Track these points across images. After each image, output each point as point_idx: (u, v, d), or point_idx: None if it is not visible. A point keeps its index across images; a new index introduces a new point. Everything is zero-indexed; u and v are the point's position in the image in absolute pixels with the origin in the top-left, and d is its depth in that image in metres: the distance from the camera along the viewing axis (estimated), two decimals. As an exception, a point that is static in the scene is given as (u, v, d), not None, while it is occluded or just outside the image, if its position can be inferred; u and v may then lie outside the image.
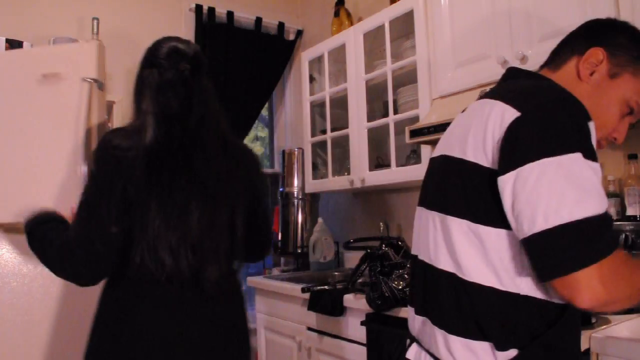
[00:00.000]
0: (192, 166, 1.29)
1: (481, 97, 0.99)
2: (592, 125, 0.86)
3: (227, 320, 1.38)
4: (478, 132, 0.90)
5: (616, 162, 1.79)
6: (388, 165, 2.39)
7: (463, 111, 1.11)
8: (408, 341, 1.07)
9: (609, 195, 1.73)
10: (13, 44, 2.21)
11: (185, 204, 1.27)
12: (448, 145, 1.00)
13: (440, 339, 0.94)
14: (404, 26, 2.35)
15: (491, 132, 0.87)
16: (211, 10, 3.00)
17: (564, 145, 0.81)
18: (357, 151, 2.47)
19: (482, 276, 0.89)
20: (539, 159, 0.80)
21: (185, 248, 1.26)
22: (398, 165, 2.31)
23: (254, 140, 3.59)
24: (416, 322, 1.03)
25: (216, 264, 1.30)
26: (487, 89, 1.79)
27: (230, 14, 3.06)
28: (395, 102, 2.34)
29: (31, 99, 1.86)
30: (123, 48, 2.77)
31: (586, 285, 0.77)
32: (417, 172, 2.13)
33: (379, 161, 2.59)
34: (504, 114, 0.86)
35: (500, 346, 0.87)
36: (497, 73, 1.77)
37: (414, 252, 1.07)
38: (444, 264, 0.94)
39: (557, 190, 0.79)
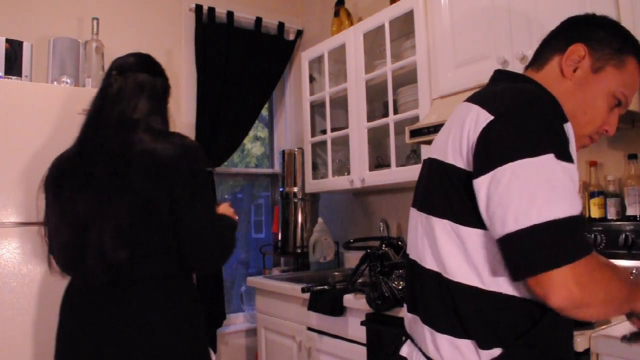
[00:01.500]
0: (85, 161, 1.36)
1: (464, 100, 1.00)
2: (568, 126, 0.88)
3: (120, 325, 1.30)
4: (455, 135, 0.93)
5: (616, 162, 1.79)
6: (388, 165, 2.39)
7: None
8: (404, 338, 1.09)
9: (609, 195, 1.74)
10: (13, 44, 2.21)
11: (72, 196, 1.33)
12: (433, 148, 1.03)
13: (428, 336, 0.96)
14: (404, 26, 2.35)
15: (467, 135, 0.89)
16: (211, 10, 3.00)
17: (536, 147, 0.82)
18: (357, 151, 2.47)
19: (464, 276, 0.90)
20: (511, 161, 0.82)
21: (76, 242, 1.31)
22: (398, 165, 2.31)
23: (254, 140, 3.59)
24: (408, 320, 1.06)
25: (99, 253, 1.27)
26: (487, 89, 1.80)
27: (230, 14, 3.05)
28: (395, 102, 2.34)
29: (74, 128, 2.14)
30: (123, 48, 2.76)
31: (560, 285, 0.78)
32: (417, 172, 2.10)
33: (379, 161, 2.59)
34: (478, 118, 0.88)
35: (484, 345, 0.88)
36: (497, 73, 1.77)
37: (407, 251, 1.09)
38: (430, 263, 0.96)
39: (527, 192, 0.80)
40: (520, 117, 0.85)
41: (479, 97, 0.95)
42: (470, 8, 1.92)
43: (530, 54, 1.70)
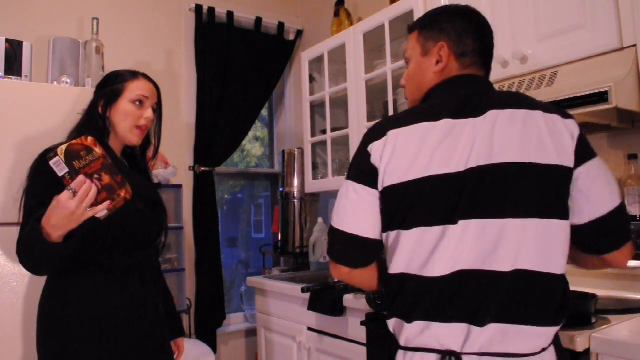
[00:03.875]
0: None
1: (510, 106, 1.07)
2: None
3: None
4: (555, 139, 1.04)
5: (616, 162, 1.79)
6: (388, 165, 2.39)
7: (462, 116, 1.07)
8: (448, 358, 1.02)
9: (609, 195, 1.74)
10: (13, 44, 2.21)
11: None
12: (512, 152, 1.02)
13: (515, 333, 0.99)
14: (404, 26, 2.34)
15: (569, 139, 1.05)
16: (211, 10, 3.00)
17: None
18: (357, 151, 2.47)
19: (559, 266, 1.02)
20: (596, 156, 1.07)
21: None
22: (398, 165, 2.30)
23: (254, 140, 3.59)
24: (477, 336, 0.99)
25: None
26: (487, 89, 1.79)
27: (230, 14, 3.06)
28: (395, 102, 2.34)
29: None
30: (123, 48, 2.77)
31: (631, 248, 1.08)
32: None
33: (379, 161, 2.58)
34: (573, 125, 1.06)
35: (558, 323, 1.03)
36: (497, 73, 1.77)
37: (462, 266, 1.00)
38: (511, 264, 0.99)
39: (611, 177, 1.07)
40: None
41: (544, 106, 1.08)
42: (470, 8, 1.91)
43: (530, 54, 1.71)
